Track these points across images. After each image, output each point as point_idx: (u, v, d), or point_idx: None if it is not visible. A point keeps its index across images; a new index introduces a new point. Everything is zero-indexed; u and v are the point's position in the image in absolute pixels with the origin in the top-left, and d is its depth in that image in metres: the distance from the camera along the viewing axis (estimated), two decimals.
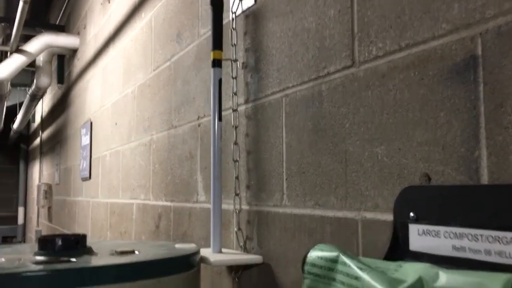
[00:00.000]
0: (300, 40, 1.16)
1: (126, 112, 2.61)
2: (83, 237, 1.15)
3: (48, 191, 5.50)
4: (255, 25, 1.36)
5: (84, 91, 3.87)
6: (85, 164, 3.60)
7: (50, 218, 5.52)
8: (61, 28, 4.97)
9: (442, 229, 0.76)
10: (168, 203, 1.95)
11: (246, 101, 1.39)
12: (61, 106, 4.98)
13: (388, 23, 0.90)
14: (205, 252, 1.32)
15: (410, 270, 0.60)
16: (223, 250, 1.36)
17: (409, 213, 0.82)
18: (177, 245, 1.24)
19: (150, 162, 2.19)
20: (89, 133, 3.52)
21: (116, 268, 0.97)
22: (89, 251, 1.13)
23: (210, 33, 1.64)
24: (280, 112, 1.22)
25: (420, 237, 0.80)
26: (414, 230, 0.81)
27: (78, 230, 3.84)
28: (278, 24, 1.25)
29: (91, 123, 3.49)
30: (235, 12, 1.42)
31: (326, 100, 1.06)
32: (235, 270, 1.37)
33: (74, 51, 4.32)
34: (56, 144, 5.19)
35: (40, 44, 3.96)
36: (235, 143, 1.40)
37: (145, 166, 2.25)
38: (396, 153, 0.86)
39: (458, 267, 0.69)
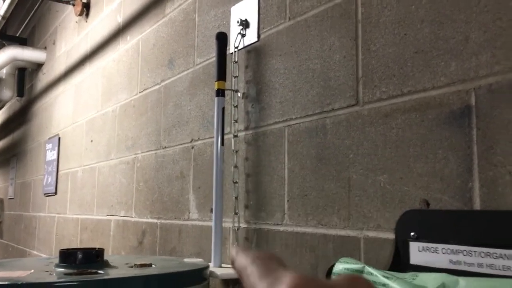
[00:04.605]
0: (304, 78, 1.31)
1: (104, 130, 2.67)
2: (101, 251, 1.24)
3: (0, 206, 5.35)
4: (257, 60, 1.51)
5: (50, 106, 3.86)
6: (50, 179, 3.59)
7: (0, 234, 5.36)
8: (23, 41, 4.92)
9: (440, 246, 0.92)
10: (155, 220, 2.04)
11: (246, 128, 1.52)
12: (19, 119, 4.90)
13: (391, 72, 1.07)
14: None
15: (428, 278, 0.75)
16: (223, 265, 1.47)
17: (410, 233, 0.98)
18: (186, 260, 1.35)
19: (133, 180, 2.27)
20: (56, 148, 3.52)
21: (144, 279, 1.07)
22: (108, 264, 1.22)
23: (207, 62, 1.78)
24: (282, 140, 1.37)
25: (420, 253, 0.96)
26: (415, 247, 0.97)
27: (38, 246, 3.79)
28: (282, 62, 1.40)
29: (59, 139, 3.49)
30: (237, 47, 1.57)
31: (330, 133, 1.21)
32: (232, 283, 1.48)
33: (38, 65, 4.30)
34: (12, 157, 5.08)
35: (6, 56, 3.93)
36: (235, 166, 1.53)
37: (127, 184, 2.32)
38: (398, 182, 1.03)
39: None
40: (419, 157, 0.99)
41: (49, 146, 3.71)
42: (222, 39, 1.55)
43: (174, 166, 1.93)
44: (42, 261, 1.32)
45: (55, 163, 3.51)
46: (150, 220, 2.07)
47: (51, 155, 3.62)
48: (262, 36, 1.50)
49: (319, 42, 1.28)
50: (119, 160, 2.45)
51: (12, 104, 5.23)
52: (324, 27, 1.26)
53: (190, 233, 1.78)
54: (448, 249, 0.91)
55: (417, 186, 0.99)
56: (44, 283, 0.95)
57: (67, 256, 1.19)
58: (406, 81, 1.03)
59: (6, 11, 3.01)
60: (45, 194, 3.70)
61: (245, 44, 1.56)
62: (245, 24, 1.57)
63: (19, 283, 0.91)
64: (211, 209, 1.66)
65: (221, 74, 1.53)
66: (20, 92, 4.83)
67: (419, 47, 1.01)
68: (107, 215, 2.51)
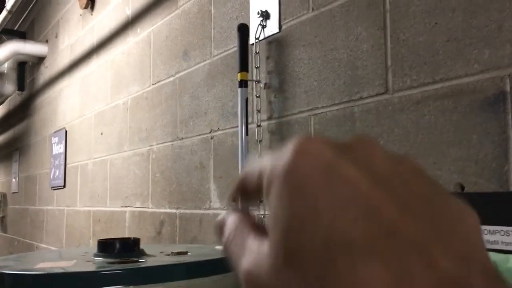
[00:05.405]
0: (330, 68, 1.34)
1: (115, 123, 2.69)
2: (138, 240, 1.27)
3: (3, 200, 5.35)
4: (279, 51, 1.54)
5: (54, 100, 3.86)
6: (58, 172, 3.60)
7: (4, 228, 5.37)
8: (21, 35, 4.90)
9: None
10: (173, 210, 2.07)
11: (270, 118, 1.55)
12: (20, 114, 4.89)
13: (423, 60, 1.10)
14: None
15: None
16: None
17: None
18: (218, 247, 1.38)
19: (149, 171, 2.29)
20: (63, 141, 3.53)
21: (186, 266, 1.10)
22: (145, 253, 1.25)
23: (225, 54, 1.80)
24: (308, 129, 1.40)
25: None
26: None
27: (47, 239, 3.81)
28: (306, 52, 1.43)
29: (66, 132, 3.50)
30: (258, 38, 1.59)
31: (359, 121, 1.25)
32: None
33: (39, 59, 4.29)
34: (14, 151, 5.07)
35: (8, 51, 3.92)
36: (260, 156, 1.56)
37: (143, 175, 2.34)
38: (431, 167, 1.06)
39: None
40: (453, 142, 1.02)
41: (55, 139, 3.72)
42: (243, 30, 1.57)
43: (193, 156, 1.96)
44: (77, 251, 1.35)
45: (62, 156, 3.52)
46: (169, 210, 2.10)
47: (58, 149, 3.63)
48: (283, 27, 1.52)
49: (345, 32, 1.30)
50: (132, 152, 2.47)
51: (12, 98, 5.21)
52: (350, 17, 1.29)
53: (211, 222, 1.81)
54: (485, 229, 0.95)
55: (451, 171, 1.02)
56: (96, 271, 0.98)
57: (106, 246, 1.22)
58: (438, 69, 1.06)
59: (12, 6, 3.01)
60: (52, 187, 3.72)
61: (266, 35, 1.58)
62: (265, 15, 1.59)
63: (73, 271, 0.95)
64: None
65: (244, 65, 1.56)
66: (20, 86, 4.81)
67: (451, 36, 1.04)
68: (122, 207, 2.54)
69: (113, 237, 2.38)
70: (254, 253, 0.19)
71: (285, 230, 0.18)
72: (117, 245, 1.22)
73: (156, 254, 1.25)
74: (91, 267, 1.04)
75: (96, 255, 1.21)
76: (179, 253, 1.24)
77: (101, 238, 1.26)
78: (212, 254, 1.24)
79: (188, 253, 1.25)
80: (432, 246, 0.16)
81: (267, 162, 0.20)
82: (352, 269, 0.15)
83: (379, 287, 0.14)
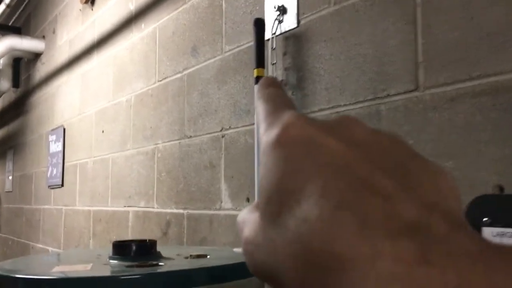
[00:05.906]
0: (354, 64, 1.29)
1: (118, 120, 2.63)
2: (154, 243, 1.21)
3: None
4: (297, 47, 1.49)
5: (52, 97, 3.79)
6: (55, 171, 3.53)
7: None
8: (17, 30, 4.80)
9: None
10: (181, 211, 2.01)
11: None
12: (15, 111, 4.80)
13: (458, 56, 1.05)
14: None
15: None
16: None
17: (483, 218, 0.97)
18: (235, 249, 1.33)
19: (154, 171, 2.23)
20: (61, 139, 3.46)
21: (210, 270, 1.05)
22: (162, 256, 1.20)
23: (237, 50, 1.75)
24: None
25: (495, 238, 0.96)
26: (488, 232, 0.97)
27: (44, 239, 3.73)
28: (327, 48, 1.38)
29: (64, 130, 3.43)
30: (274, 33, 1.54)
31: (385, 119, 1.20)
32: None
33: (36, 55, 4.20)
34: (8, 150, 4.98)
35: (5, 46, 3.83)
36: None
37: (147, 174, 2.29)
38: (467, 167, 1.02)
39: None
40: (491, 141, 0.98)
41: (52, 137, 3.64)
42: (260, 25, 1.52)
43: (202, 155, 1.90)
44: (88, 254, 1.30)
45: (60, 154, 3.45)
46: (175, 210, 2.05)
47: (56, 147, 3.55)
48: (302, 22, 1.47)
49: (370, 27, 1.26)
50: (136, 150, 2.41)
51: (6, 95, 5.11)
52: (375, 12, 1.24)
53: (222, 223, 1.76)
54: None
55: (489, 171, 0.98)
56: (117, 276, 0.93)
57: (122, 248, 1.16)
58: (474, 65, 1.02)
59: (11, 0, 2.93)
60: (49, 186, 3.64)
61: (283, 31, 1.53)
62: (282, 10, 1.54)
63: (94, 276, 0.89)
64: (247, 198, 1.64)
65: (260, 61, 1.50)
66: (15, 82, 4.72)
67: (488, 31, 1.00)
68: (125, 206, 2.48)
69: (115, 237, 2.31)
70: (250, 222, 0.20)
71: (267, 193, 0.19)
72: (134, 248, 1.17)
73: (174, 257, 1.20)
74: (110, 272, 0.98)
75: (111, 258, 1.16)
76: (198, 256, 1.18)
77: (116, 240, 1.21)
78: (233, 257, 1.19)
79: (208, 256, 1.20)
80: (398, 195, 0.17)
81: (265, 128, 0.22)
82: (323, 223, 0.16)
83: (344, 234, 0.16)
